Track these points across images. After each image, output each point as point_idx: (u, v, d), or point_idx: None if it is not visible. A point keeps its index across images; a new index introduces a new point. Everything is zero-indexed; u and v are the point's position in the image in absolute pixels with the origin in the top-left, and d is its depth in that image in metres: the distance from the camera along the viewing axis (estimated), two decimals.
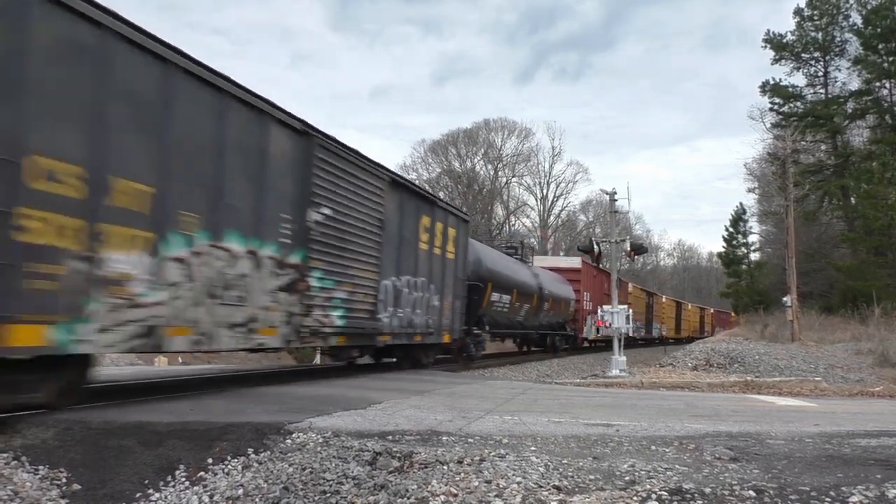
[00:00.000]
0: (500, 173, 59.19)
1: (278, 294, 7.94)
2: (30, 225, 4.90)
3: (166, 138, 6.19)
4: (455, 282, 13.91)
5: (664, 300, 46.57)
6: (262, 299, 7.61)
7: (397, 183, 11.22)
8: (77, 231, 5.28)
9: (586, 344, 30.04)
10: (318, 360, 20.03)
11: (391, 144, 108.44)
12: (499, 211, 58.81)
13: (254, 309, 7.49)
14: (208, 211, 6.78)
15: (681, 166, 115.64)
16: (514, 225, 58.23)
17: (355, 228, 9.63)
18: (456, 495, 3.78)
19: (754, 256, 53.42)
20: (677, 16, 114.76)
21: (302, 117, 8.42)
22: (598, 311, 18.54)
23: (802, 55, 41.00)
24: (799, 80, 41.99)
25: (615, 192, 18.50)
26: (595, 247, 18.31)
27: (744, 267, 52.62)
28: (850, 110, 38.81)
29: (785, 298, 24.83)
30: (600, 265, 24.36)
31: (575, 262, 28.81)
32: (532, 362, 21.75)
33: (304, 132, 8.46)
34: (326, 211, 8.89)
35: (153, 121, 6.06)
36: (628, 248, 19.04)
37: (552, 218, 62.31)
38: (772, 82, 40.64)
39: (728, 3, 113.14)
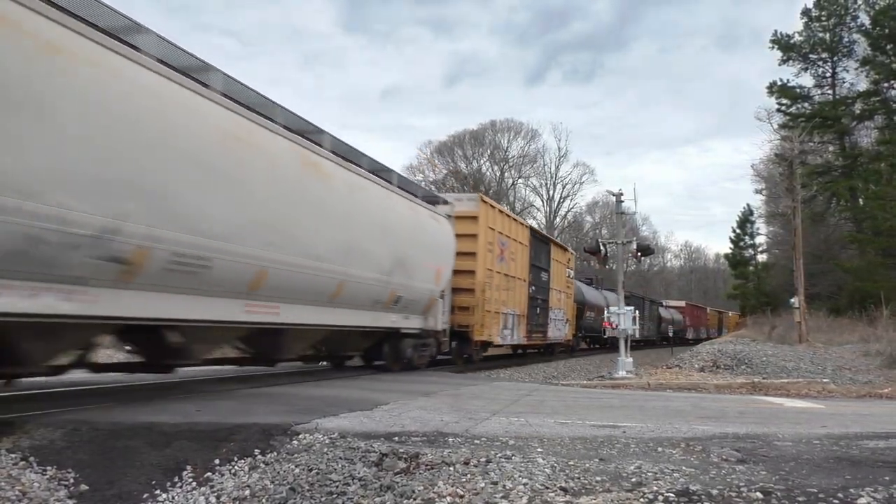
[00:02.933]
0: (506, 174, 59.26)
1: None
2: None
3: None
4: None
5: (730, 314, 68.75)
6: None
7: None
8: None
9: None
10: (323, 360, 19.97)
11: (399, 146, 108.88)
12: None
13: None
14: None
15: (690, 167, 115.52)
16: None
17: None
18: (462, 496, 3.78)
19: (762, 258, 53.38)
20: (689, 16, 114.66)
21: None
22: (605, 312, 18.53)
23: (810, 56, 40.83)
24: (806, 80, 41.72)
25: (621, 193, 18.45)
26: (601, 248, 18.26)
27: (751, 268, 52.52)
28: (857, 111, 38.60)
29: (792, 300, 24.77)
30: (606, 266, 24.78)
31: (681, 303, 52.92)
32: (538, 363, 21.74)
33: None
34: None
35: None
36: (635, 250, 19.02)
37: (558, 219, 62.35)
38: (779, 83, 40.49)
39: (740, 4, 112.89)
